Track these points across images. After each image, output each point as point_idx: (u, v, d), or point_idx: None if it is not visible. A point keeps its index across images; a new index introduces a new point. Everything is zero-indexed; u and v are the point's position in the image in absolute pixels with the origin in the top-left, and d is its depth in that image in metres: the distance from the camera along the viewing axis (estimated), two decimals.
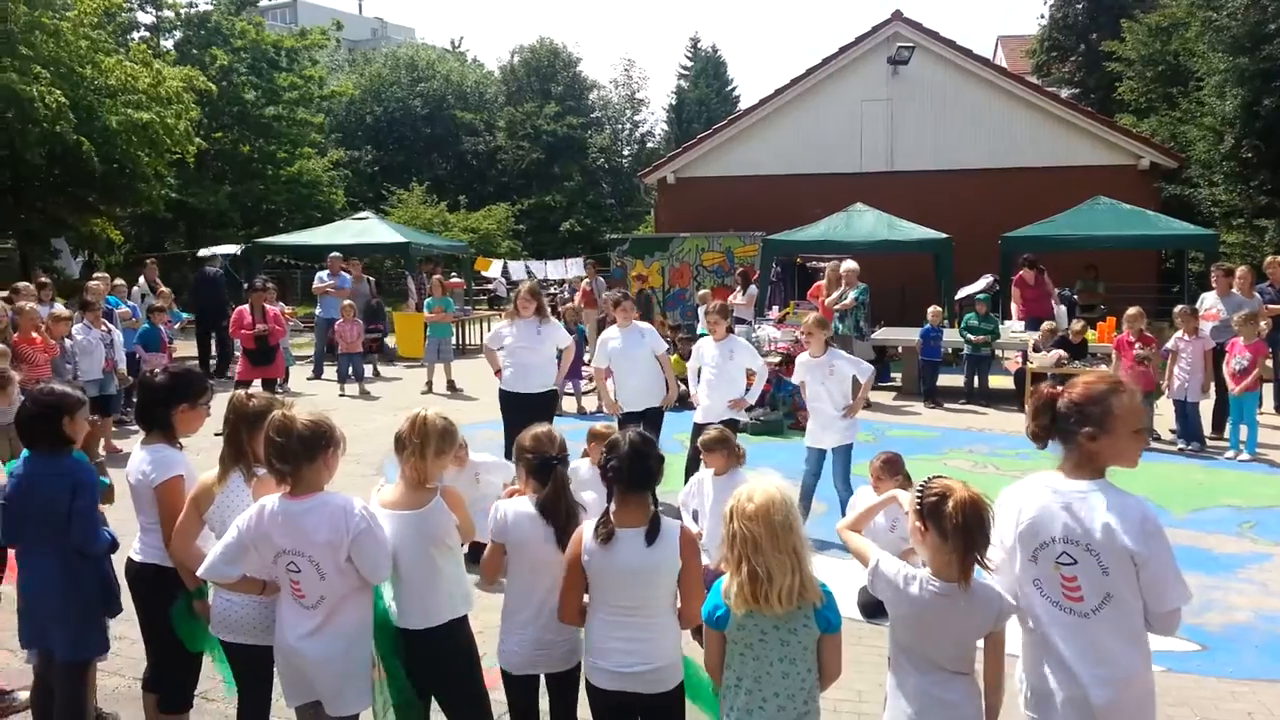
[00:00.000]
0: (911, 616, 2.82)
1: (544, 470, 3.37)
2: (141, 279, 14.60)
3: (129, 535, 3.90)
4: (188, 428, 3.84)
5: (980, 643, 2.85)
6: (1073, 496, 2.73)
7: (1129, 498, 2.69)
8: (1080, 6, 29.54)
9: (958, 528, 2.69)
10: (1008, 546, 2.85)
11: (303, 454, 3.17)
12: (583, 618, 3.23)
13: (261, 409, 3.49)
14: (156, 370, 3.96)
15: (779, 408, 11.33)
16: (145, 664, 3.97)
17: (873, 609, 5.45)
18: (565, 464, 3.44)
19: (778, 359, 12.05)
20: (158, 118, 18.99)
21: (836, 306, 12.79)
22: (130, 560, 3.80)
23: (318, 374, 15.36)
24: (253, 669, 3.49)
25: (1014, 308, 14.71)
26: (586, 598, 3.23)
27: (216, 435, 3.67)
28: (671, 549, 3.10)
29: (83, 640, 3.79)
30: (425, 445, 3.35)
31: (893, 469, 5.53)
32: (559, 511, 3.33)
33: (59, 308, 10.85)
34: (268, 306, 11.74)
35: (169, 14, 28.47)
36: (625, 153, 49.21)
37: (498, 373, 8.16)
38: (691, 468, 7.12)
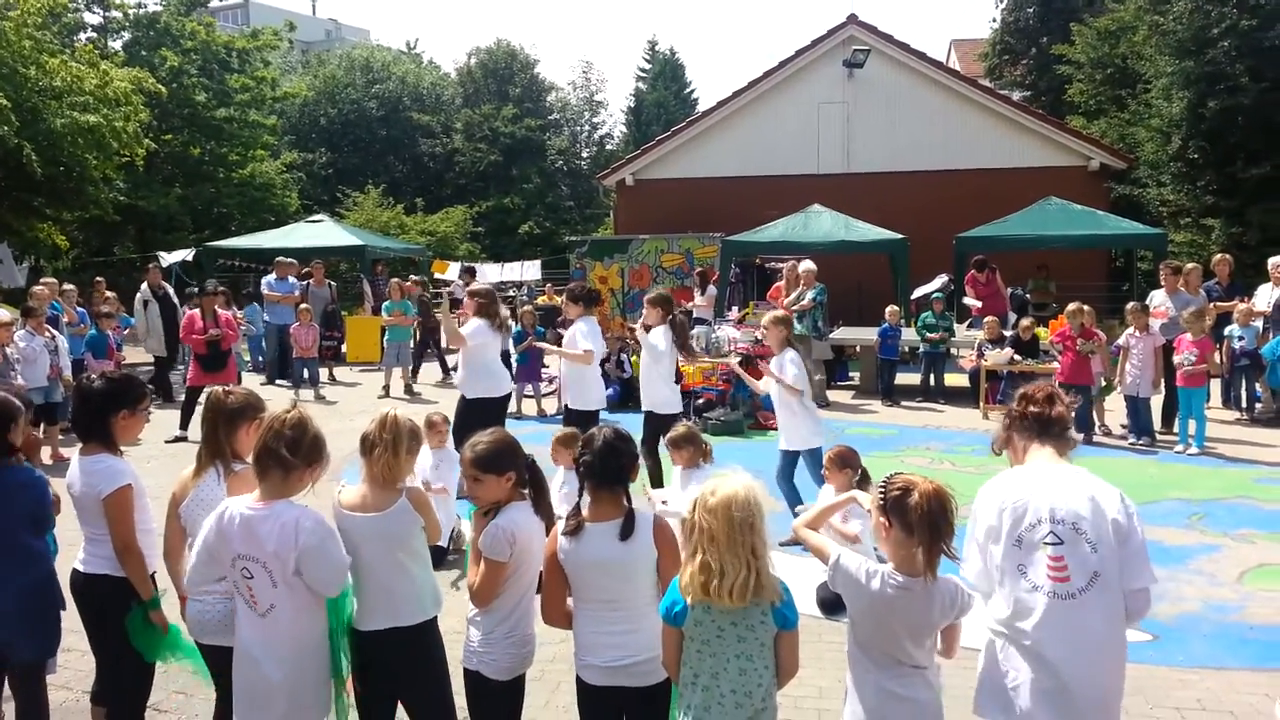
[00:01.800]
0: (871, 611, 2.84)
1: (530, 469, 3.38)
2: (144, 285, 14.15)
3: (67, 545, 3.80)
4: (127, 435, 3.74)
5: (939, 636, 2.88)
6: (1058, 477, 2.88)
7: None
8: (1031, 10, 30.03)
9: (922, 519, 2.73)
10: (982, 537, 2.93)
11: (306, 455, 3.15)
12: (568, 620, 3.21)
13: (239, 405, 3.47)
14: (94, 376, 3.84)
15: (739, 408, 11.37)
16: (93, 677, 3.88)
17: (832, 606, 5.47)
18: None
19: (737, 359, 12.07)
20: (105, 120, 18.57)
21: (795, 307, 12.86)
22: (76, 571, 3.70)
23: (271, 380, 15.15)
24: (228, 670, 3.41)
25: (970, 306, 14.88)
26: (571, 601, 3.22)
27: (168, 443, 3.59)
28: (645, 542, 3.09)
29: (47, 639, 3.71)
30: (397, 443, 3.29)
31: (843, 462, 5.62)
32: (549, 508, 3.37)
33: (2, 314, 10.60)
34: (219, 311, 11.54)
35: (117, 14, 27.90)
36: (584, 155, 49.08)
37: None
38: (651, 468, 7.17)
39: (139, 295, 14.04)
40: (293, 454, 3.11)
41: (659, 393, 7.74)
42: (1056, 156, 19.82)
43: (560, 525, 3.19)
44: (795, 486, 7.06)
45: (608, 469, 3.14)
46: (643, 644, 3.08)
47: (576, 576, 3.15)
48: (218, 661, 3.43)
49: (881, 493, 2.84)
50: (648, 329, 7.78)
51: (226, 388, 3.65)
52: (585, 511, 3.15)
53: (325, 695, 3.29)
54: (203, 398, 4.23)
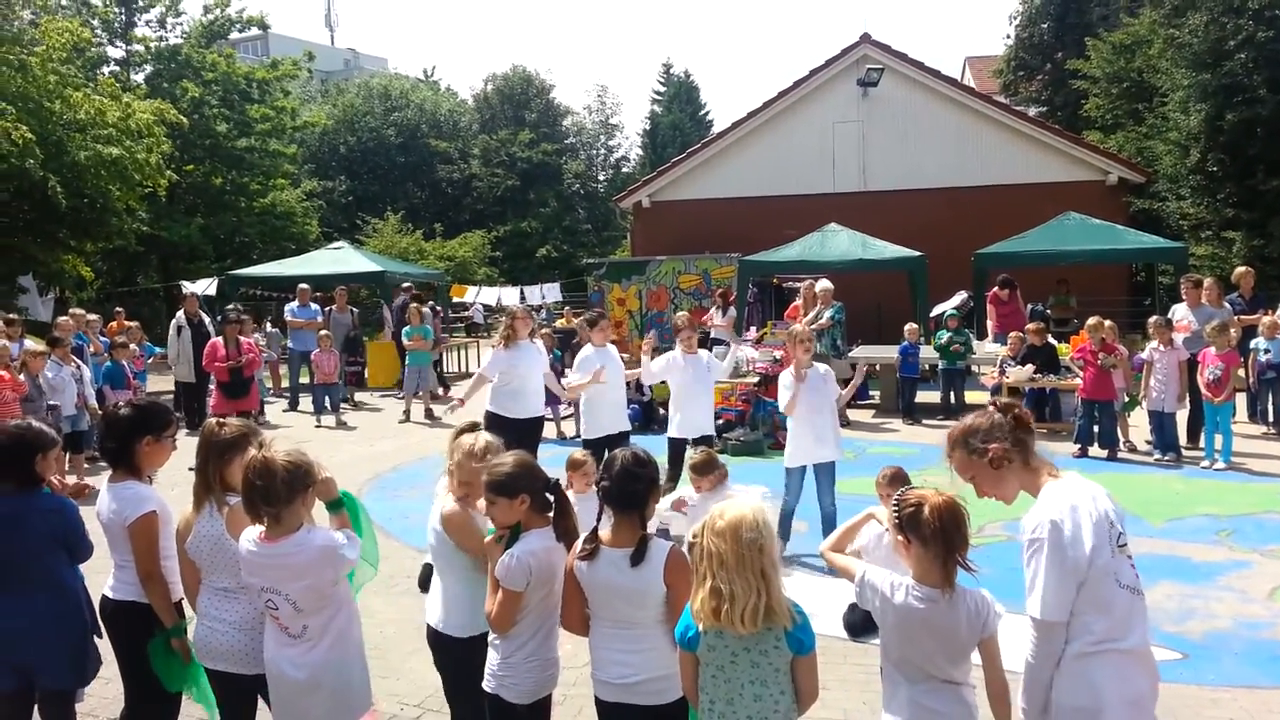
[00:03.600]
0: (899, 625, 2.83)
1: (553, 491, 3.36)
2: (180, 312, 14.26)
3: (95, 573, 3.83)
4: (153, 462, 3.78)
5: (977, 656, 2.84)
6: (1085, 482, 2.86)
7: None
8: (1045, 26, 29.98)
9: (936, 533, 2.75)
10: (1072, 561, 2.71)
11: (285, 496, 3.15)
12: (584, 627, 3.24)
13: (232, 439, 3.46)
14: (121, 404, 3.91)
15: (759, 428, 11.33)
16: (121, 704, 3.89)
17: (858, 628, 5.44)
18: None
19: (755, 379, 12.06)
20: (127, 152, 18.83)
21: (813, 326, 12.84)
22: (105, 598, 3.73)
23: (293, 406, 15.25)
24: (236, 698, 3.48)
25: (989, 324, 14.83)
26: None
27: (191, 470, 3.62)
28: (656, 572, 3.08)
29: (79, 668, 3.74)
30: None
31: (899, 483, 5.26)
32: (571, 531, 3.33)
33: (31, 344, 10.73)
34: (241, 339, 11.65)
35: (139, 48, 28.37)
36: (600, 178, 49.38)
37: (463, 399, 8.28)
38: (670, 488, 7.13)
39: (174, 322, 14.16)
40: (270, 503, 3.14)
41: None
42: (1074, 171, 19.75)
43: (578, 546, 3.20)
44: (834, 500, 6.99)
45: (625, 494, 3.15)
46: (649, 664, 3.09)
47: (591, 596, 3.19)
48: (221, 685, 3.49)
49: (896, 510, 2.86)
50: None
51: (220, 419, 3.66)
52: (604, 534, 3.16)
53: (367, 693, 3.38)
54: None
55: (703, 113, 49.23)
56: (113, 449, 3.75)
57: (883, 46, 20.55)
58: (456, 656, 3.51)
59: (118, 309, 16.58)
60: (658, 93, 49.55)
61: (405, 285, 18.10)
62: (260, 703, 3.52)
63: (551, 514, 3.32)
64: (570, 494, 5.53)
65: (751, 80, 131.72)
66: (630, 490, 3.15)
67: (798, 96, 21.12)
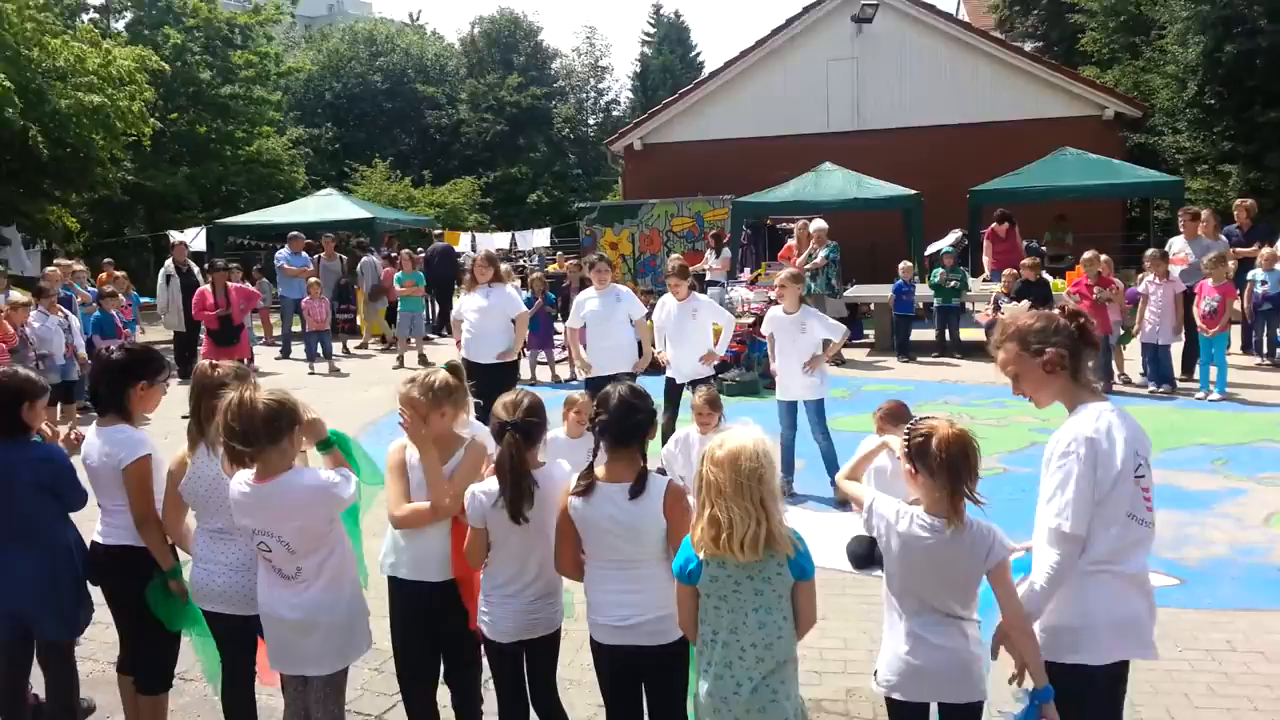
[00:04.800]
0: (903, 552, 2.81)
1: (498, 437, 3.29)
2: (169, 260, 14.06)
3: (84, 520, 3.78)
4: (145, 406, 3.71)
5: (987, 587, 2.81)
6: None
7: None
8: None
9: (942, 464, 2.72)
10: (1101, 483, 2.70)
11: (265, 435, 3.07)
12: (579, 571, 3.19)
13: (222, 379, 3.40)
14: (113, 348, 3.81)
15: (754, 368, 11.30)
16: (118, 647, 3.87)
17: (862, 559, 5.46)
18: (527, 429, 3.27)
19: (750, 320, 12.01)
20: (109, 100, 18.51)
21: (808, 266, 12.75)
22: (95, 543, 3.69)
23: (285, 353, 15.18)
24: (235, 639, 3.46)
25: (985, 260, 14.75)
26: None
27: (184, 418, 3.56)
28: (655, 504, 3.04)
29: (73, 618, 3.70)
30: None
31: (895, 418, 5.11)
32: (505, 478, 3.19)
33: (16, 295, 10.61)
34: (231, 285, 11.54)
35: None
36: (591, 122, 48.78)
37: (457, 343, 8.17)
38: (669, 428, 7.10)
39: (162, 270, 14.00)
40: (249, 443, 3.06)
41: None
42: (1070, 107, 19.54)
43: (572, 483, 3.15)
44: (829, 435, 7.00)
45: (624, 427, 3.10)
46: (650, 603, 3.04)
47: (587, 535, 3.12)
48: (219, 627, 3.47)
49: (906, 440, 2.83)
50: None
51: (213, 361, 3.61)
52: (600, 470, 3.11)
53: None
54: None
55: (694, 54, 48.52)
56: (104, 393, 3.68)
57: None
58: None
59: (106, 260, 16.41)
60: (647, 34, 48.79)
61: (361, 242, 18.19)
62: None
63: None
64: (562, 434, 5.51)
65: (743, 21, 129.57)
66: (630, 423, 3.10)
67: (791, 34, 20.79)
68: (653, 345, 7.97)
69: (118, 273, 14.67)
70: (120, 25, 28.00)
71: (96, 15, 27.74)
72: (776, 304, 7.46)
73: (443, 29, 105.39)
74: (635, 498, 3.03)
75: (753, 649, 2.75)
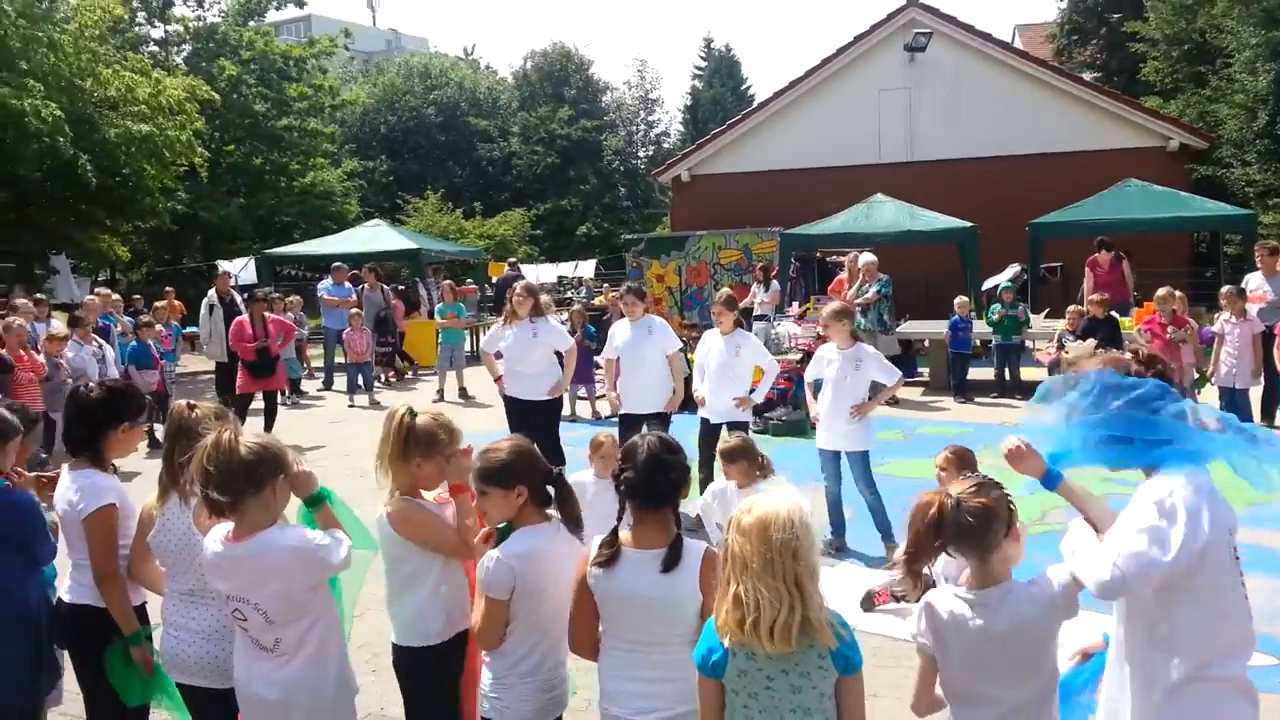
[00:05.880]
0: (958, 648, 2.49)
1: (554, 483, 2.92)
2: (212, 290, 14.03)
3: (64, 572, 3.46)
4: (122, 449, 3.41)
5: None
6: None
7: None
8: None
9: (954, 535, 2.55)
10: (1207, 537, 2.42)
11: (245, 484, 2.74)
12: (594, 651, 2.77)
13: (201, 421, 3.07)
14: (92, 386, 3.47)
15: (801, 406, 10.84)
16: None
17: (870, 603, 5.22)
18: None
19: (798, 356, 11.57)
20: (158, 129, 18.72)
21: (858, 301, 12.28)
22: (60, 601, 3.36)
23: (328, 385, 15.05)
24: (211, 714, 3.10)
25: (1085, 288, 13.97)
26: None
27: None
28: (691, 577, 2.60)
29: (32, 680, 3.30)
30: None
31: (961, 464, 4.50)
32: (574, 522, 2.89)
33: (57, 325, 10.55)
34: (269, 316, 11.40)
35: (177, 27, 28.38)
36: (641, 154, 48.87)
37: (497, 380, 7.74)
38: (703, 470, 6.67)
39: (205, 300, 13.99)
40: (225, 492, 2.73)
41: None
42: (1132, 138, 18.85)
43: (593, 550, 2.73)
44: (875, 488, 6.46)
45: (654, 487, 2.65)
46: (676, 695, 2.59)
47: (607, 609, 2.69)
48: (193, 700, 3.12)
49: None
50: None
51: (191, 401, 3.27)
52: (624, 534, 2.68)
53: (349, 713, 3.00)
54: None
55: (744, 87, 48.36)
56: (79, 435, 3.36)
57: (930, 9, 19.76)
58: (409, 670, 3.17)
59: (167, 288, 16.50)
60: (698, 68, 48.81)
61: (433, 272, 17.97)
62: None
63: (553, 509, 2.89)
64: (589, 477, 5.08)
65: (794, 53, 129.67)
66: (661, 483, 2.66)
67: (842, 64, 20.42)
68: (686, 380, 7.55)
69: (176, 301, 14.69)
70: (179, 58, 28.58)
71: (156, 48, 28.33)
72: (825, 340, 7.00)
73: (496, 63, 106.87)
74: (669, 570, 2.59)
75: None
